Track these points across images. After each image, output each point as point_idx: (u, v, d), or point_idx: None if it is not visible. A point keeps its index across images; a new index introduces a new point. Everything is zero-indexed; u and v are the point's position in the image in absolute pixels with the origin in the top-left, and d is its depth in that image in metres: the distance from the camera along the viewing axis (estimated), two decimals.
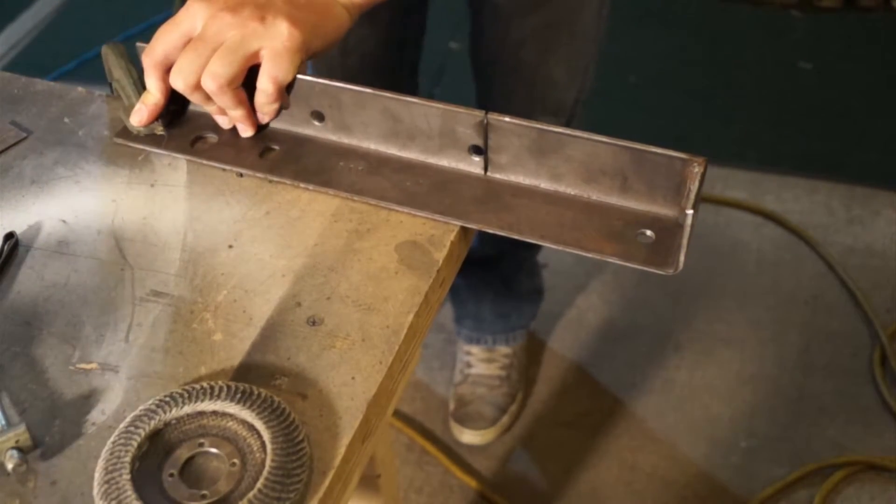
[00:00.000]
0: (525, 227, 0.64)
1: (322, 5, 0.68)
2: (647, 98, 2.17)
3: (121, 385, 0.55)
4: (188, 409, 0.52)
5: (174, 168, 0.70)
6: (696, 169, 0.60)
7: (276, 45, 0.65)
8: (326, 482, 0.50)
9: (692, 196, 0.60)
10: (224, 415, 0.52)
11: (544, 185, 0.67)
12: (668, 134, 2.06)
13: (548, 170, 0.66)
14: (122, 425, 0.51)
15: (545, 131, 0.63)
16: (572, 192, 0.66)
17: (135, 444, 0.50)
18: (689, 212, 0.60)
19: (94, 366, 0.56)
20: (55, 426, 0.53)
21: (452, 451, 1.54)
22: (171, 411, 0.52)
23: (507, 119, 0.64)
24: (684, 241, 0.61)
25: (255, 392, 0.52)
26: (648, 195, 0.64)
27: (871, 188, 1.92)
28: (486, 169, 0.68)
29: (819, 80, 2.21)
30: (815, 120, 2.10)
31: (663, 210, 0.64)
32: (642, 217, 0.64)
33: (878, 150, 2.02)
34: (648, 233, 0.63)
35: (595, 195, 0.66)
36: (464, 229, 0.65)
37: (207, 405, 0.52)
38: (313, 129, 0.71)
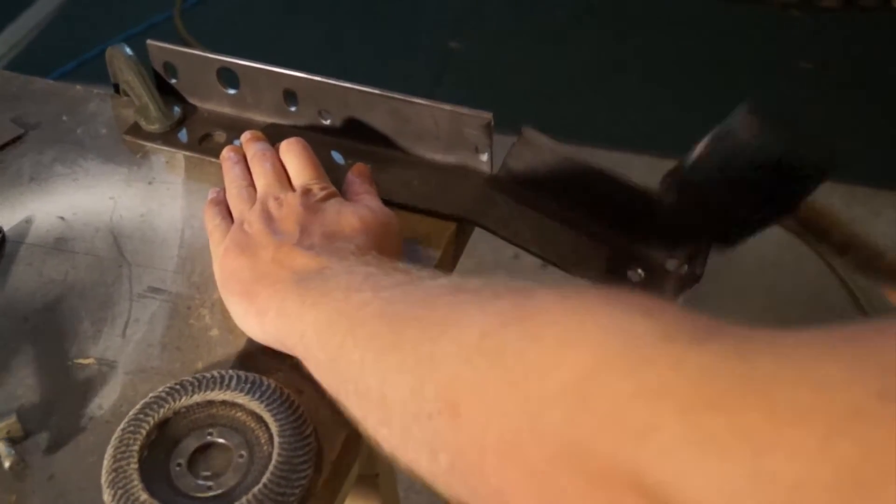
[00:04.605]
0: (529, 237, 0.64)
1: None
2: (647, 98, 2.18)
3: (118, 380, 0.55)
4: (198, 397, 0.52)
5: (172, 165, 0.70)
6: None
7: None
8: (323, 477, 0.50)
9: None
10: (233, 405, 0.52)
11: (553, 199, 0.65)
12: (667, 134, 2.06)
13: (558, 184, 0.64)
14: (131, 412, 0.51)
15: (558, 146, 0.63)
16: (580, 214, 0.64)
17: (143, 432, 0.50)
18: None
19: (91, 361, 0.57)
20: (52, 421, 0.53)
21: None
22: (180, 399, 0.51)
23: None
24: (676, 292, 0.60)
25: (265, 383, 0.52)
26: (647, 235, 0.62)
27: (871, 188, 1.92)
28: (493, 171, 0.67)
29: (819, 80, 2.21)
30: (815, 120, 2.10)
31: (655, 252, 0.63)
32: (638, 254, 0.63)
33: (878, 150, 2.02)
34: (639, 272, 0.62)
35: (599, 224, 0.64)
36: (460, 228, 0.65)
37: (217, 394, 0.52)
38: (320, 128, 0.71)
